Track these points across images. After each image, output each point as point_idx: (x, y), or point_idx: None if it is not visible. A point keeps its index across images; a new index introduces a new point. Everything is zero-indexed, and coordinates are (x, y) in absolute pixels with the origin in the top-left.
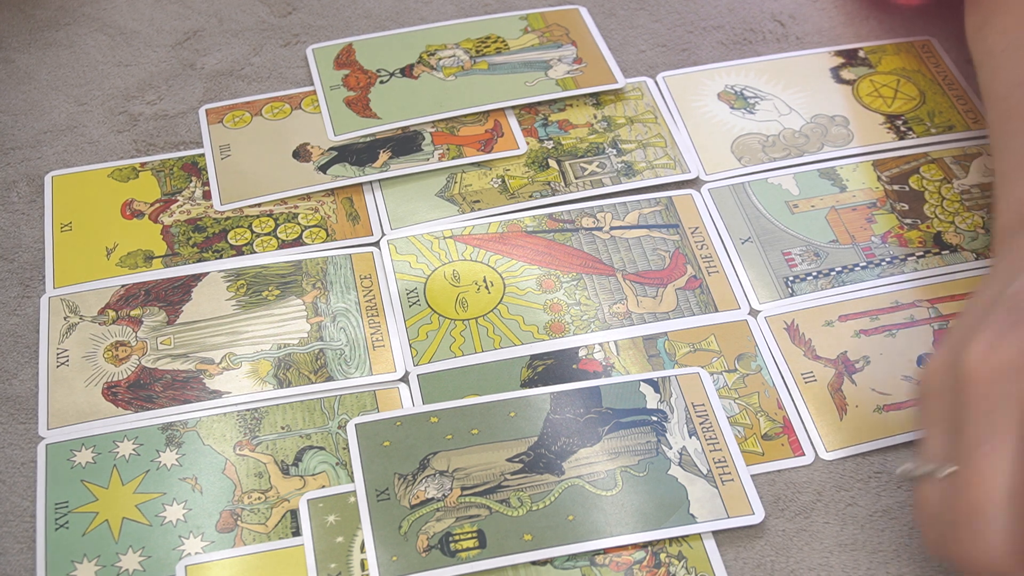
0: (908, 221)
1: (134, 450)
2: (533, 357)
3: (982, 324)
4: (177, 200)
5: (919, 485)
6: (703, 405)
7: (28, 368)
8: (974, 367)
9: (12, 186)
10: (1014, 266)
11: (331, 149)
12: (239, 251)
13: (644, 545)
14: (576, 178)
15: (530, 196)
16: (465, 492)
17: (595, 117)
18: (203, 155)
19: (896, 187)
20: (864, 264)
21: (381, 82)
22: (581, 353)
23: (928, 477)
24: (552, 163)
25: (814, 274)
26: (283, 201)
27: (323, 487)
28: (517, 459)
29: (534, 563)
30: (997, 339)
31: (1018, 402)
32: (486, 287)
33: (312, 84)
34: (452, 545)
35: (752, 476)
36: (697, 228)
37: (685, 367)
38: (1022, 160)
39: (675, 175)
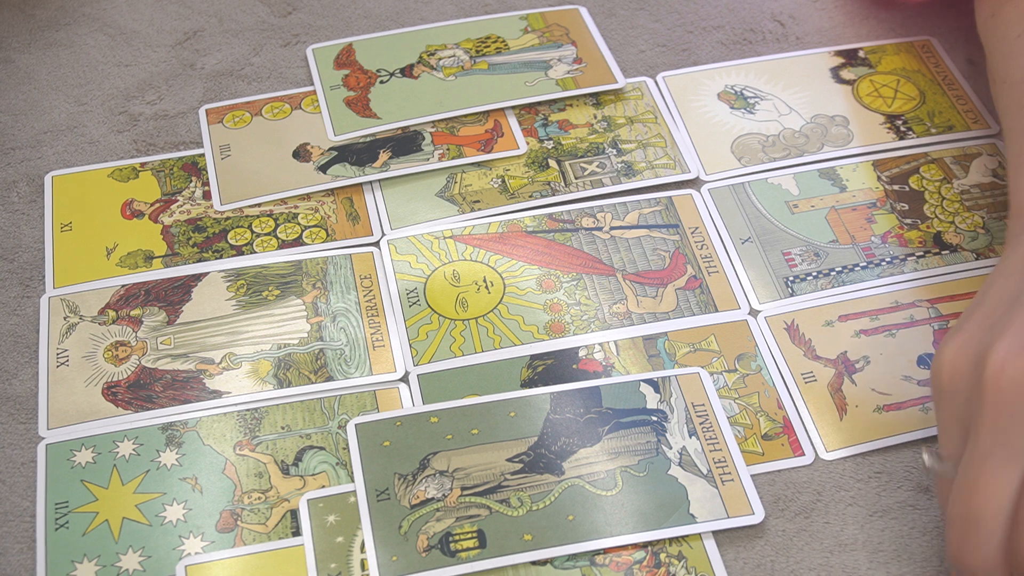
0: (908, 221)
1: (134, 450)
2: (533, 357)
3: (1005, 324)
4: (177, 200)
5: (938, 479)
6: (703, 405)
7: (28, 368)
8: (994, 374)
9: (12, 186)
10: None
11: (331, 149)
12: (239, 251)
13: (644, 545)
14: (576, 178)
15: (530, 196)
16: (465, 492)
17: (595, 117)
18: (203, 155)
19: (896, 187)
20: (864, 264)
21: (381, 82)
22: (581, 353)
23: (945, 474)
24: (552, 163)
25: (814, 274)
26: (283, 201)
27: (323, 487)
28: (517, 459)
29: (534, 563)
30: (1020, 348)
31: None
32: (486, 287)
33: (312, 84)
34: (452, 545)
35: (752, 476)
36: (697, 228)
37: (685, 367)
38: None
39: (675, 175)
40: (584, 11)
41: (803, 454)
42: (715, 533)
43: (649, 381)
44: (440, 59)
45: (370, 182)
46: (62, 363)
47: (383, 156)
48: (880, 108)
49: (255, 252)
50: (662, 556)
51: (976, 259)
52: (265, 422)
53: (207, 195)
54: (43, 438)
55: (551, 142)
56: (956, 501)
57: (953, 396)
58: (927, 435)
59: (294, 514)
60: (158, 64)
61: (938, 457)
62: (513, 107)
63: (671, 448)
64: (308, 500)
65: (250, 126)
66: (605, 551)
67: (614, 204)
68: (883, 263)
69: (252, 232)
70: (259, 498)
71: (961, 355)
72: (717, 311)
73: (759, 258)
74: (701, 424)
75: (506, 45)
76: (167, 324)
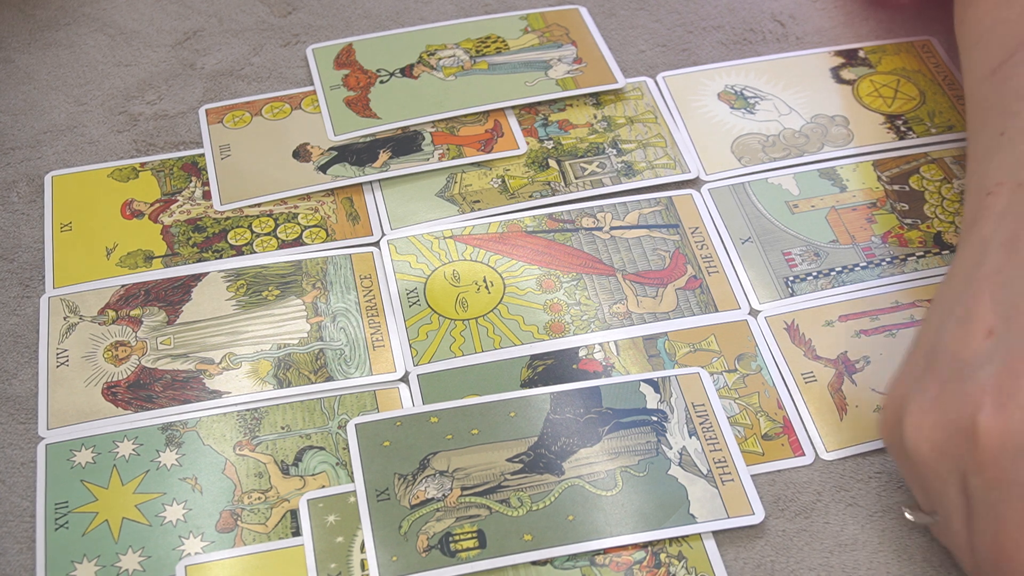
0: (908, 221)
1: (134, 450)
2: (533, 357)
3: (918, 385)
4: (177, 200)
5: (931, 527)
6: (703, 405)
7: (28, 368)
8: (913, 444)
9: (12, 186)
10: (955, 280)
11: (331, 149)
12: (239, 251)
13: (644, 545)
14: (576, 178)
15: (530, 196)
16: (465, 492)
17: (595, 117)
18: (203, 155)
19: (896, 187)
20: (864, 264)
21: (381, 82)
22: (581, 353)
23: (935, 523)
24: (552, 163)
25: (814, 274)
26: (283, 201)
27: (323, 487)
28: (517, 459)
29: (534, 563)
30: (926, 411)
31: (956, 479)
32: (486, 287)
33: (312, 84)
34: (452, 545)
35: (752, 476)
36: (697, 228)
37: (685, 367)
38: (986, 151)
39: (675, 175)
40: (584, 11)
41: (803, 454)
42: (715, 533)
43: (649, 381)
44: (440, 59)
45: (370, 182)
46: (62, 363)
47: (383, 156)
48: (880, 108)
49: (255, 252)
50: (662, 556)
51: None
52: (265, 422)
53: (207, 195)
54: (43, 438)
55: (551, 142)
56: (949, 542)
57: (899, 457)
58: None
59: (294, 514)
60: (158, 64)
61: (919, 510)
62: (513, 107)
63: (671, 448)
64: (308, 500)
65: (250, 126)
66: (605, 551)
67: (614, 204)
68: (883, 263)
69: (252, 232)
70: (259, 498)
71: (936, 427)
72: (717, 311)
73: (759, 258)
74: (701, 424)
75: (506, 45)
76: (167, 324)
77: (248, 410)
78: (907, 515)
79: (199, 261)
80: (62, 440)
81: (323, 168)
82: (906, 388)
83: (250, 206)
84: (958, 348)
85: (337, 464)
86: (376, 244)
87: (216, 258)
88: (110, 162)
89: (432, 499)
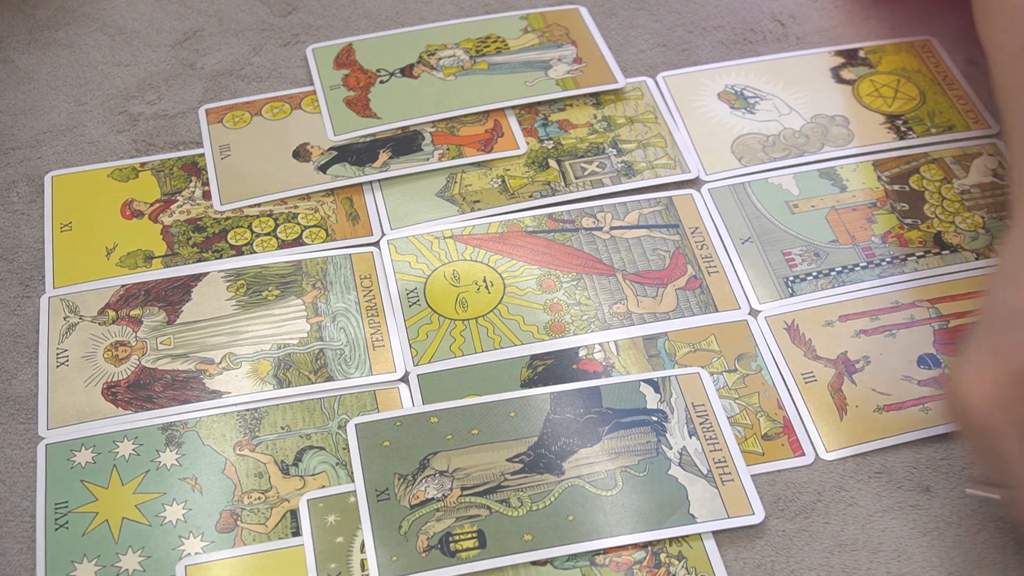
0: (908, 221)
1: (134, 450)
2: (533, 357)
3: (972, 344)
4: (177, 200)
5: (1003, 505)
6: (703, 405)
7: (28, 368)
8: (970, 401)
9: (12, 186)
10: (1006, 253)
11: (331, 149)
12: (239, 251)
13: (644, 545)
14: (576, 178)
15: (530, 196)
16: (465, 492)
17: (595, 117)
18: (203, 155)
19: (896, 187)
20: (864, 264)
21: (381, 82)
22: (581, 353)
23: (1007, 498)
24: (552, 163)
25: (814, 274)
26: (283, 201)
27: (323, 487)
28: (517, 459)
29: (534, 563)
30: (981, 365)
31: (1016, 429)
32: (486, 287)
33: (312, 84)
34: (452, 545)
35: (752, 476)
36: (697, 228)
37: (685, 367)
38: None
39: (675, 175)
40: (584, 11)
41: (803, 454)
42: (715, 533)
43: (649, 381)
44: (440, 59)
45: (370, 182)
46: (62, 363)
47: (383, 156)
48: (880, 108)
49: (255, 252)
50: (662, 556)
51: (976, 259)
52: (265, 422)
53: (207, 195)
54: (43, 438)
55: (551, 142)
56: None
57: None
58: (927, 435)
59: (294, 514)
60: (158, 64)
61: (984, 484)
62: (513, 107)
63: (671, 448)
64: (308, 500)
65: (250, 126)
66: (605, 551)
67: (614, 204)
68: (883, 263)
69: (252, 232)
70: (259, 498)
71: (992, 380)
72: (717, 311)
73: (759, 258)
74: (701, 424)
75: (506, 45)
76: (167, 324)
77: (248, 410)
78: (969, 491)
79: (199, 261)
80: (62, 440)
81: (323, 168)
82: (962, 355)
83: (250, 206)
84: (1010, 301)
85: (337, 464)
86: (376, 244)
87: (216, 258)
88: (110, 162)
89: (432, 499)
